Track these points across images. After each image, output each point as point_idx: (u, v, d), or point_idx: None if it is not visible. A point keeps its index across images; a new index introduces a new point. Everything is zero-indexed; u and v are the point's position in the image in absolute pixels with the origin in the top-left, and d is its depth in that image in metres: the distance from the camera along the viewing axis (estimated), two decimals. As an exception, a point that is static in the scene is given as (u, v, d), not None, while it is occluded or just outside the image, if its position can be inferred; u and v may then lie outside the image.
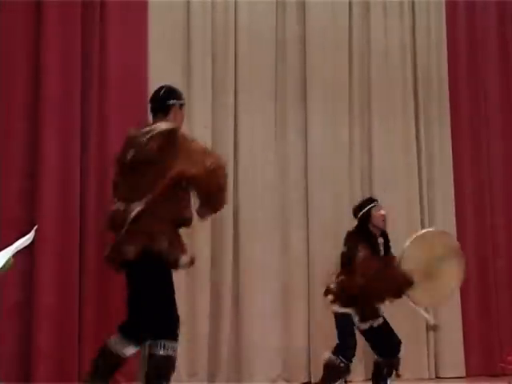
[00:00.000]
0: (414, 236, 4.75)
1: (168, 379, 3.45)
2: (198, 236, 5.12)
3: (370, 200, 4.84)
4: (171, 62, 5.57)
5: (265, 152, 5.86)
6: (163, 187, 3.39)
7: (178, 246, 3.50)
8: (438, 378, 6.10)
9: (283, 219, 5.87)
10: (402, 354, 4.65)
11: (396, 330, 4.67)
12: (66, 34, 4.99)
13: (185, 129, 3.92)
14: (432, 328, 5.16)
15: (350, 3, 6.30)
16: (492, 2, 6.79)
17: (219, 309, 5.44)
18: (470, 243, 6.33)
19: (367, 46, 6.32)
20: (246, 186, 5.72)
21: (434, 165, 6.39)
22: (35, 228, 1.88)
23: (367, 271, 4.42)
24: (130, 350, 3.52)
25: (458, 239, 6.27)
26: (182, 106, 3.82)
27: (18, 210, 4.74)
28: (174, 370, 3.49)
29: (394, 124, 6.30)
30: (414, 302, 4.67)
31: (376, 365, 4.65)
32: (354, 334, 4.57)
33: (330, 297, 4.59)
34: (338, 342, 4.56)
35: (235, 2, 5.86)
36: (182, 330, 3.62)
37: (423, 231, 5.09)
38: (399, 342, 4.62)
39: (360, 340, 4.67)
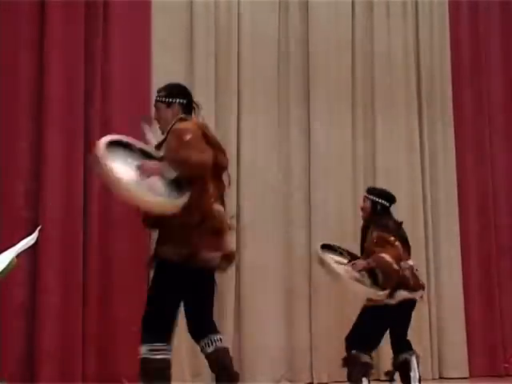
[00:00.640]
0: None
1: (152, 380, 3.34)
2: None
3: None
4: (174, 62, 5.56)
5: (268, 152, 5.86)
6: None
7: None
8: (441, 378, 6.08)
9: (286, 219, 5.86)
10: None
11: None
12: (70, 34, 4.99)
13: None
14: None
15: (353, 3, 6.30)
16: (495, 2, 6.79)
17: (222, 309, 5.43)
18: (474, 243, 6.34)
19: (370, 46, 6.31)
20: (249, 186, 5.72)
21: (438, 164, 6.39)
22: (39, 228, 1.88)
23: None
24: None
25: (462, 239, 6.29)
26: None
27: (21, 210, 4.75)
28: (160, 372, 3.38)
29: (397, 124, 6.29)
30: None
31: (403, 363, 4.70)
32: None
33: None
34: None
35: (238, 3, 5.86)
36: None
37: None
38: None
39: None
